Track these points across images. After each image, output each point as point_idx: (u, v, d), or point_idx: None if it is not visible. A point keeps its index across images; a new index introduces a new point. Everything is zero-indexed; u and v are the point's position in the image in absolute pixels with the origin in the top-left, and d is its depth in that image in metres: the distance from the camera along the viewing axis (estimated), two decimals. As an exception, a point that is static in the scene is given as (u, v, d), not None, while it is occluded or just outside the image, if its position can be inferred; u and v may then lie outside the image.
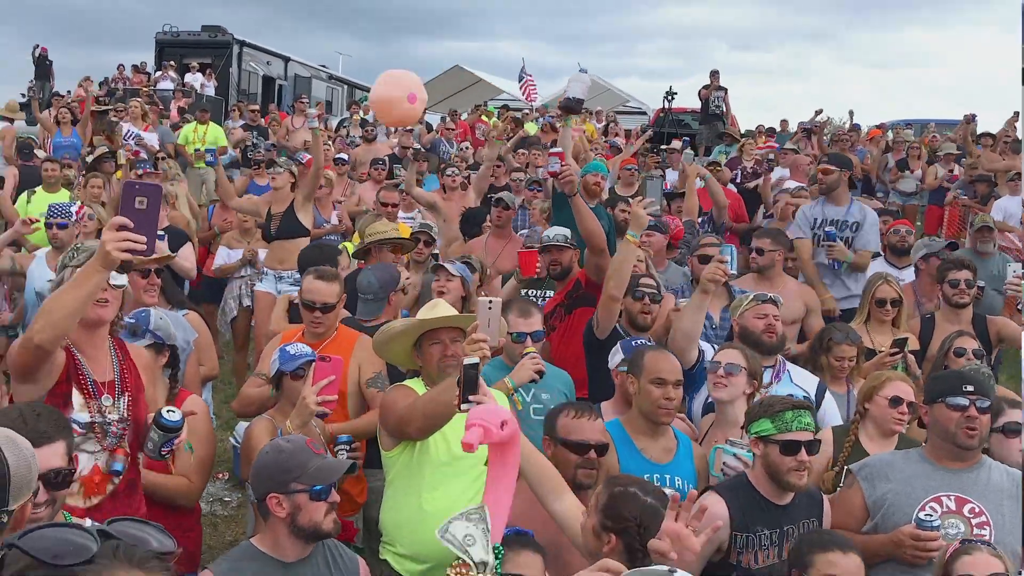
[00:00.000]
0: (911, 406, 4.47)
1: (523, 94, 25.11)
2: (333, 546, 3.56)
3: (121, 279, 3.77)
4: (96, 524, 1.29)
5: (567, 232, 6.40)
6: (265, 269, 8.42)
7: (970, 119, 19.08)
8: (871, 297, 6.16)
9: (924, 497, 3.82)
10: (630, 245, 5.44)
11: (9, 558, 1.38)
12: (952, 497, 3.83)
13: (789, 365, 5.35)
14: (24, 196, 10.23)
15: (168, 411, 3.65)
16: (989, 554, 3.32)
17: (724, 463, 4.07)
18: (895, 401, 4.46)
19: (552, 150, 6.33)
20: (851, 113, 20.36)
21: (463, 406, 3.32)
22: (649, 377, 4.25)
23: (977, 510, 3.79)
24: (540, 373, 4.35)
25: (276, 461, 3.40)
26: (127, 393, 3.81)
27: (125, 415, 3.74)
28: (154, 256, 5.05)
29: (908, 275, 7.46)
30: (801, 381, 5.08)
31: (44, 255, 6.84)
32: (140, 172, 10.33)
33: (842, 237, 7.43)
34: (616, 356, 4.92)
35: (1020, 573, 3.59)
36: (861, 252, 7.43)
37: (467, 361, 3.38)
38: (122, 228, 3.17)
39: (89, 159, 11.76)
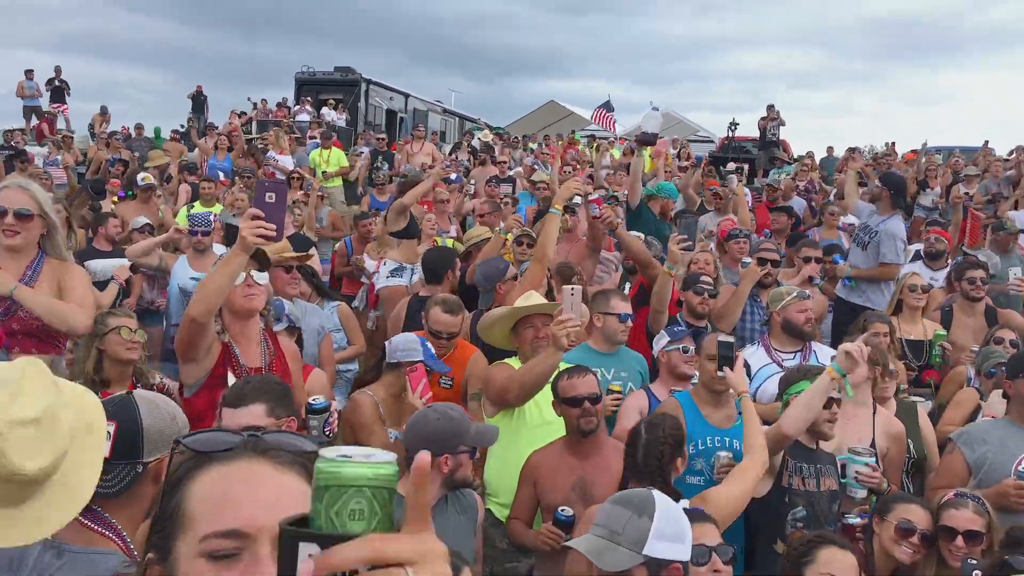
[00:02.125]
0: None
1: (600, 123, 25.03)
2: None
3: (263, 276, 3.81)
4: (250, 429, 1.34)
5: (642, 235, 6.98)
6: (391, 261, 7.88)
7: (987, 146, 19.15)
8: (902, 286, 6.26)
9: (1019, 454, 3.99)
10: (667, 277, 5.65)
11: (175, 452, 1.54)
12: None
13: (815, 345, 5.51)
14: (185, 208, 10.43)
15: (313, 399, 3.72)
16: None
17: (856, 471, 4.07)
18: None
19: (592, 196, 6.38)
20: (892, 144, 20.47)
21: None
22: (705, 355, 4.36)
23: None
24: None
25: (448, 427, 3.42)
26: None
27: None
28: (294, 254, 5.27)
29: (940, 277, 7.56)
30: (825, 358, 5.12)
31: (187, 256, 6.86)
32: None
33: (865, 241, 7.59)
34: (660, 341, 5.01)
35: None
36: (863, 268, 7.61)
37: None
38: (255, 218, 3.33)
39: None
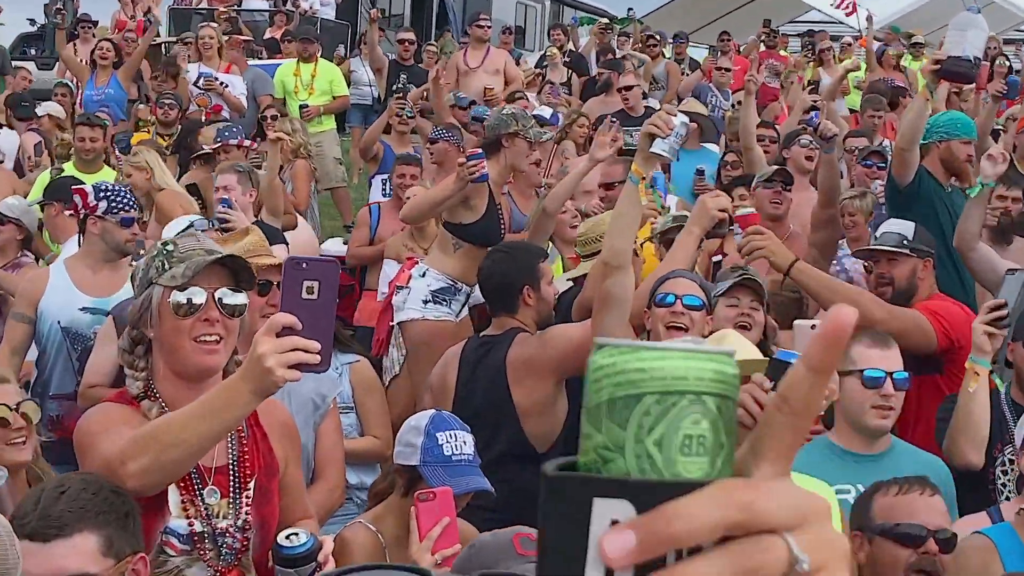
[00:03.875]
0: None
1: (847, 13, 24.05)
2: None
3: (239, 298, 3.61)
4: None
5: (908, 231, 6.25)
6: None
7: None
8: None
9: None
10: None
11: None
12: None
13: None
14: (44, 176, 10.15)
15: (288, 535, 3.55)
16: None
17: None
18: None
19: (742, 212, 6.09)
20: None
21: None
22: None
23: None
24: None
25: (476, 555, 3.06)
26: (249, 483, 3.66)
27: (245, 519, 3.52)
28: (271, 258, 5.13)
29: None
30: None
31: (64, 263, 6.64)
32: (222, 143, 9.62)
33: None
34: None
35: None
36: None
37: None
38: (287, 331, 3.09)
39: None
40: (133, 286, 3.71)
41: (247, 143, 10.00)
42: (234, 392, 3.09)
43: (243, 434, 3.58)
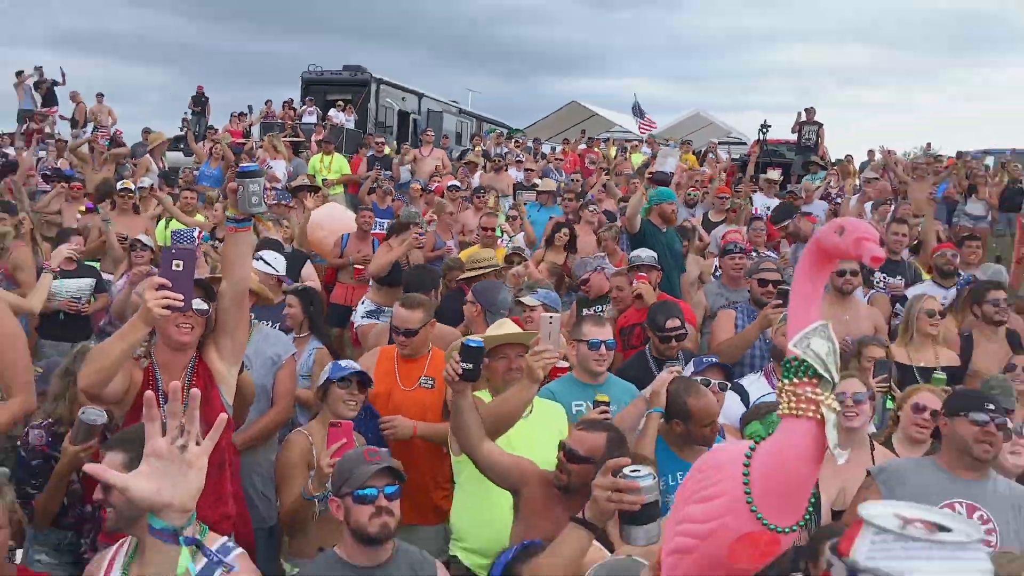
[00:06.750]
0: (934, 414, 4.49)
1: (639, 128, 25.74)
2: (416, 553, 3.47)
3: (203, 305, 3.82)
4: None
5: (654, 254, 6.81)
6: None
7: None
8: (917, 311, 6.16)
9: (939, 503, 3.70)
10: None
11: None
12: (964, 504, 3.76)
13: None
14: (163, 222, 10.28)
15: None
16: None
17: None
18: (917, 408, 4.66)
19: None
20: (928, 144, 21.32)
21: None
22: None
23: (986, 518, 3.74)
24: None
25: (337, 469, 3.44)
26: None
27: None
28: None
29: (950, 296, 7.46)
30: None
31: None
32: (273, 203, 9.90)
33: None
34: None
35: None
36: None
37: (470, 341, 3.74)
38: (161, 287, 3.30)
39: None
40: None
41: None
42: (133, 324, 3.39)
43: (195, 378, 3.81)
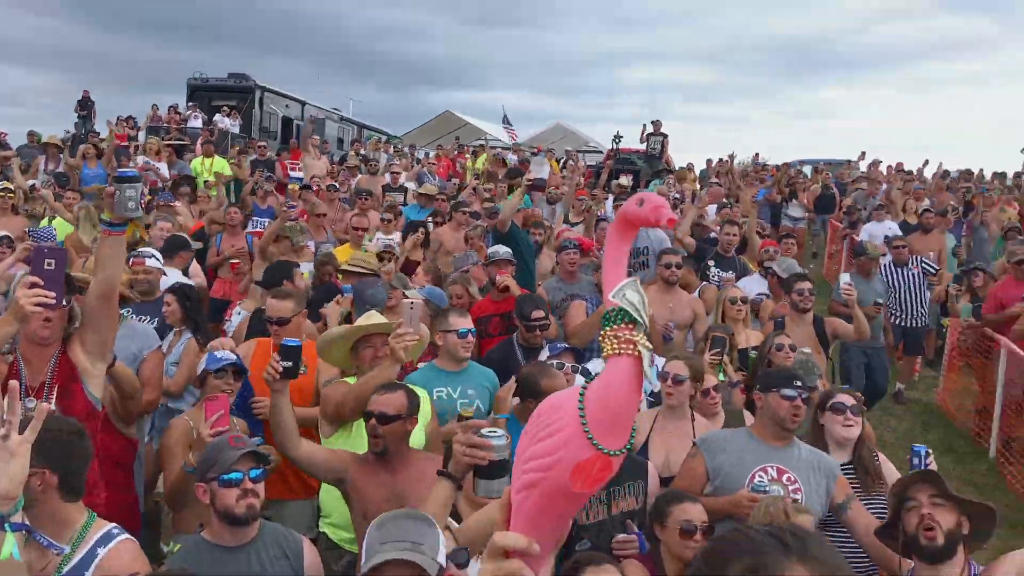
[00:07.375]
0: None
1: (508, 136, 26.47)
2: (282, 530, 3.43)
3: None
4: None
5: (510, 250, 7.04)
6: None
7: (861, 158, 20.27)
8: (723, 299, 6.65)
9: (754, 467, 4.03)
10: None
11: None
12: (774, 467, 4.04)
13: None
14: (46, 220, 9.93)
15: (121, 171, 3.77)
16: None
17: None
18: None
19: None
20: (756, 155, 22.64)
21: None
22: None
23: (792, 479, 4.02)
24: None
25: (203, 456, 3.37)
26: (56, 387, 3.74)
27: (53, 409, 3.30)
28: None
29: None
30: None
31: None
32: (160, 203, 10.13)
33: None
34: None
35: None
36: None
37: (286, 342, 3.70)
38: (33, 285, 3.25)
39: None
40: None
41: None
42: (5, 319, 3.41)
43: (59, 367, 3.80)
